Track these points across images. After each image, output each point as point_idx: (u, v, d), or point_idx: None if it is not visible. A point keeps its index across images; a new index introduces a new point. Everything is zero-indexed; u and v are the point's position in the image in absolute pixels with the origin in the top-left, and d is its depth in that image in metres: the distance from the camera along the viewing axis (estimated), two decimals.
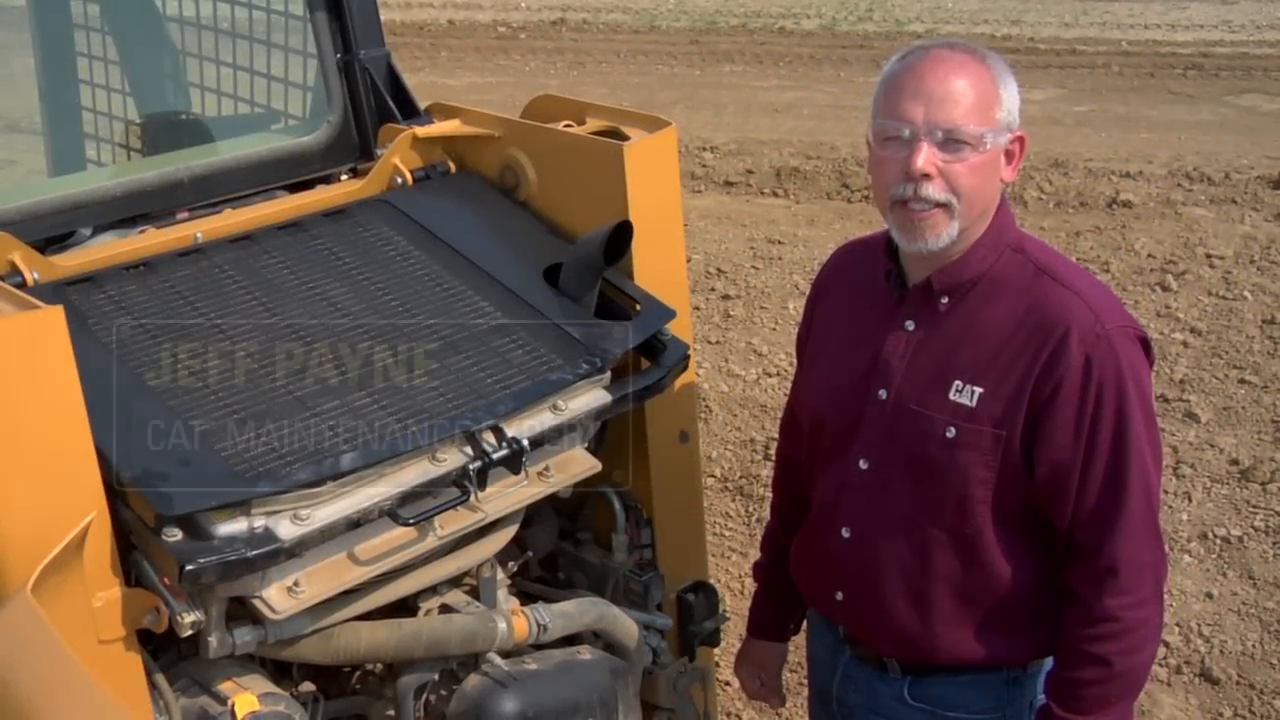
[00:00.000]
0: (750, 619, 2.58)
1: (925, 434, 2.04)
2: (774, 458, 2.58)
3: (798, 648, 2.68)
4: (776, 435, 2.55)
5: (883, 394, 2.09)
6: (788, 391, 2.42)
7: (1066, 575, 2.05)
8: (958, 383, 2.02)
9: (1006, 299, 2.02)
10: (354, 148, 2.72)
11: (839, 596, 2.21)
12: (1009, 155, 2.01)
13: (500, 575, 2.32)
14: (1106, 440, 1.97)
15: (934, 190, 1.94)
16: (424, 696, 2.19)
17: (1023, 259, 2.05)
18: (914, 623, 2.12)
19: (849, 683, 2.29)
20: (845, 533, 2.17)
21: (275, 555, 1.86)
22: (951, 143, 1.93)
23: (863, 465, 2.13)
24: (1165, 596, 4.06)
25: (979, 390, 2.00)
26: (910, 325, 2.09)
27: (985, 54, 1.98)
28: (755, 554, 2.71)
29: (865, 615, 2.19)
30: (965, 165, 1.94)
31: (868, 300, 2.17)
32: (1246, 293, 6.20)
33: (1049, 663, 2.19)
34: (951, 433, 2.02)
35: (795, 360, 2.43)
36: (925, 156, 1.92)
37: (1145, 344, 2.03)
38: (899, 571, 2.12)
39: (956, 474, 2.03)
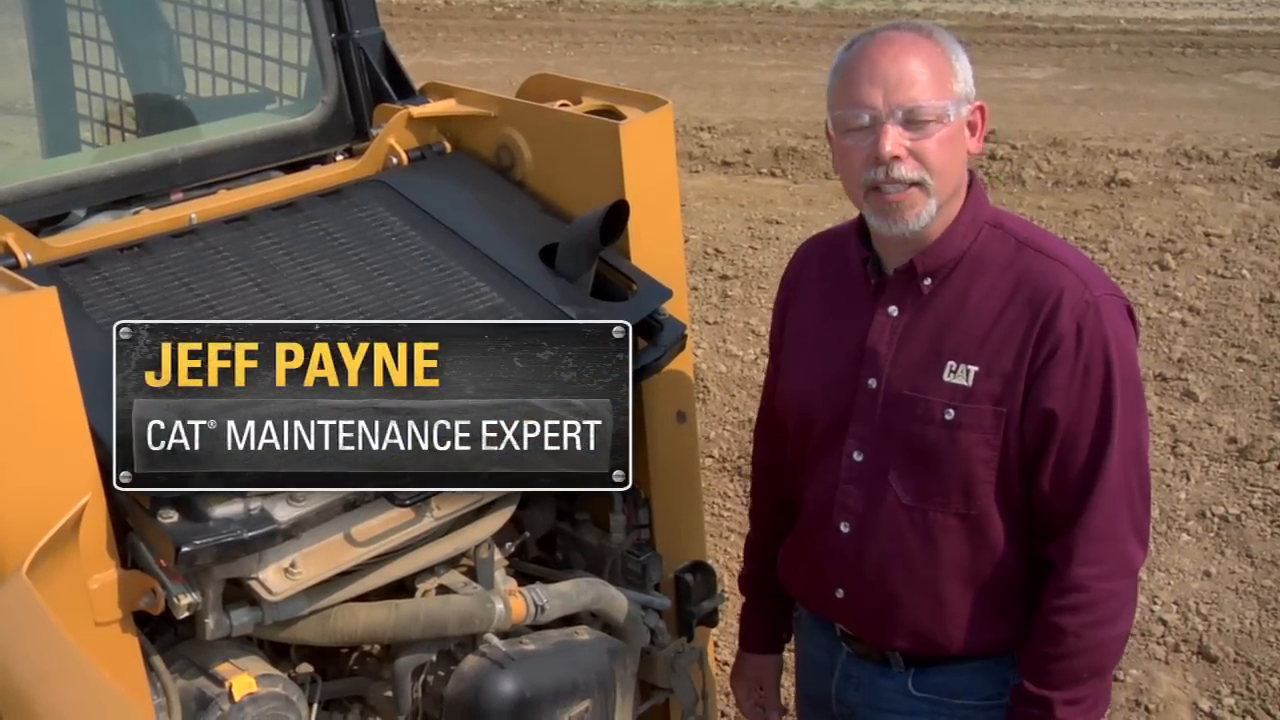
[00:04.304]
0: (742, 633, 2.54)
1: (923, 418, 2.01)
2: (751, 466, 2.54)
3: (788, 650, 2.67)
4: None
5: (872, 383, 2.06)
6: None
7: (1045, 548, 2.03)
8: (951, 363, 2.00)
9: (991, 275, 2.01)
10: (349, 128, 2.70)
11: (839, 594, 2.17)
12: (971, 126, 2.00)
13: (497, 556, 2.31)
14: (1093, 407, 1.95)
15: (906, 170, 1.93)
16: (421, 677, 2.19)
17: (1002, 234, 2.04)
18: (924, 613, 2.09)
19: (849, 682, 2.25)
20: (844, 528, 2.12)
21: (271, 537, 1.85)
22: (915, 122, 1.93)
23: (857, 458, 2.09)
24: (1157, 575, 4.09)
25: (974, 369, 1.98)
26: (894, 311, 2.06)
27: (931, 29, 1.99)
28: None
29: (870, 611, 2.15)
30: (933, 141, 1.93)
31: (841, 291, 2.14)
32: (1245, 271, 6.19)
33: None
34: (950, 414, 1.99)
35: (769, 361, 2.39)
36: (892, 139, 1.92)
37: (1130, 312, 2.03)
38: (904, 563, 2.08)
39: (958, 456, 2.00)
